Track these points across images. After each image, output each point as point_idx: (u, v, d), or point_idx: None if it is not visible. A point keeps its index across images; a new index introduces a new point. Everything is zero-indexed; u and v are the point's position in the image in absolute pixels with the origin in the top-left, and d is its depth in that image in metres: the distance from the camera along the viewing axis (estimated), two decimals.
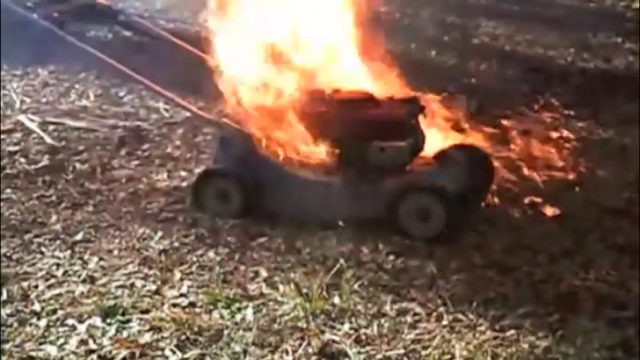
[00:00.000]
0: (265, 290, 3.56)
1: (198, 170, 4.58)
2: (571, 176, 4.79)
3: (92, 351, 3.16)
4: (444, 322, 3.35)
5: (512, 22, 8.25)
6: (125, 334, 3.27)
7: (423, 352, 3.17)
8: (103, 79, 6.09)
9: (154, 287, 3.59)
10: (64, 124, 5.36)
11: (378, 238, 3.94)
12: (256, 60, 4.29)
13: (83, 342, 3.21)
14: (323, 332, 3.27)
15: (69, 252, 3.86)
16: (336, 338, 3.24)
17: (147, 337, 3.23)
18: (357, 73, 4.44)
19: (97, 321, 3.33)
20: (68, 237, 4.00)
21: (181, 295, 3.53)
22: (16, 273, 3.68)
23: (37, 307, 3.42)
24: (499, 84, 6.54)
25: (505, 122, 5.57)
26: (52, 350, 3.16)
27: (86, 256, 3.83)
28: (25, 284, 3.58)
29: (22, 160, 4.84)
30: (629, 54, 7.41)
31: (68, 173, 4.69)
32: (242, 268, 3.75)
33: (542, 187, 4.63)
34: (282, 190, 4.14)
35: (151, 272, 3.70)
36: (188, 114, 4.87)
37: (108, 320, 3.33)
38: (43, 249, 3.89)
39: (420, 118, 4.33)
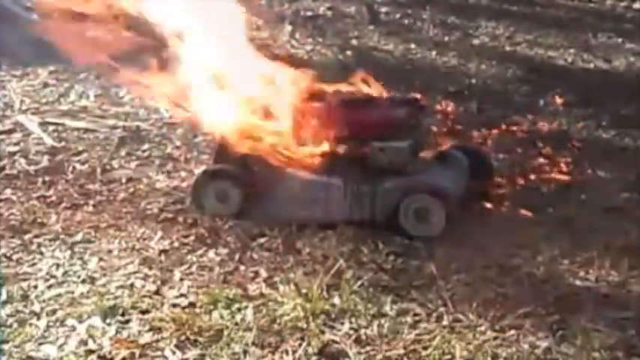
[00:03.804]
0: (265, 290, 3.56)
1: (198, 170, 4.58)
2: (571, 176, 4.80)
3: (92, 351, 3.16)
4: (444, 322, 3.35)
5: (513, 22, 8.26)
6: (125, 334, 3.26)
7: (423, 352, 3.17)
8: (103, 79, 6.08)
9: (154, 287, 3.59)
10: (64, 124, 5.36)
11: (378, 238, 3.94)
12: None
13: (83, 342, 3.21)
14: (323, 332, 3.27)
15: (69, 252, 3.86)
16: (336, 338, 3.23)
17: (147, 337, 3.23)
18: None
19: (96, 321, 3.32)
20: (68, 237, 3.99)
21: (181, 295, 3.53)
22: (16, 273, 3.67)
23: (36, 307, 3.42)
24: (499, 85, 6.54)
25: (505, 123, 5.58)
26: (51, 350, 3.16)
27: (86, 257, 3.83)
28: (24, 284, 3.58)
29: (22, 160, 4.84)
30: (629, 54, 7.42)
31: (68, 173, 4.69)
32: (242, 268, 3.75)
33: (543, 188, 4.64)
34: (281, 190, 4.14)
35: (151, 272, 3.70)
36: (188, 114, 4.86)
37: (108, 320, 3.33)
38: (43, 249, 3.89)
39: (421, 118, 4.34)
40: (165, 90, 4.33)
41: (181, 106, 4.52)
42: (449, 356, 3.16)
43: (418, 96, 5.10)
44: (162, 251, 3.88)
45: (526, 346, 3.20)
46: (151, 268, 3.73)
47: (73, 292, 3.53)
